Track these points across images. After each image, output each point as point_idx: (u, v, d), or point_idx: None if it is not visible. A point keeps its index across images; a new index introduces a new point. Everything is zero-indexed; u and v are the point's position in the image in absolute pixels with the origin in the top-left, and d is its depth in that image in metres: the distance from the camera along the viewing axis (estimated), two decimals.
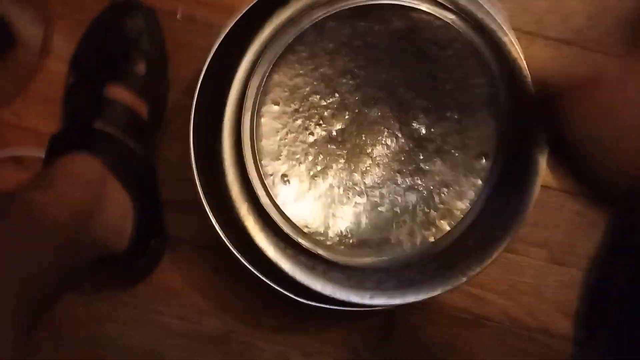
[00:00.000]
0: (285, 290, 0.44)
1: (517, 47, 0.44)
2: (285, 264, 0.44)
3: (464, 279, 0.44)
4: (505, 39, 0.45)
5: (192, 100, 0.44)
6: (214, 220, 0.44)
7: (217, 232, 0.44)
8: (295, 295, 0.44)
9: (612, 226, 0.54)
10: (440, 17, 0.46)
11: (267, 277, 0.44)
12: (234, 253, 0.44)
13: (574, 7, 0.56)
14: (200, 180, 0.44)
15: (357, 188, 0.49)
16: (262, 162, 0.47)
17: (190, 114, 0.44)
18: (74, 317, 0.52)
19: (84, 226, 0.43)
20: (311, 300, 0.44)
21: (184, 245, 0.54)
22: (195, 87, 0.44)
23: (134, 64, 0.51)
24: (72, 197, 0.43)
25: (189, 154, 0.44)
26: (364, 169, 0.50)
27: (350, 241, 0.49)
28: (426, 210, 0.49)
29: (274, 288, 0.44)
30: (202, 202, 0.44)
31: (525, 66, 0.44)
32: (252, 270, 0.44)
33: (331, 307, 0.44)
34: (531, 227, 0.55)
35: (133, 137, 0.49)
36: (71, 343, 0.52)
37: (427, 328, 0.55)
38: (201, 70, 0.44)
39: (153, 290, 0.54)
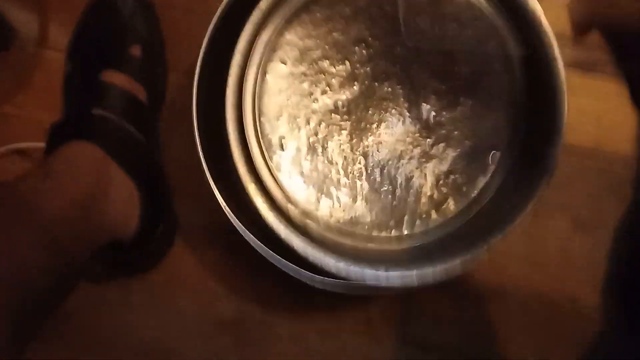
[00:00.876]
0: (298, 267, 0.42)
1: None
2: (297, 241, 0.42)
3: (485, 247, 0.42)
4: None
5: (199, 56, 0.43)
6: (222, 202, 0.42)
7: (226, 213, 0.42)
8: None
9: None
10: None
11: (279, 255, 0.42)
12: (245, 234, 0.43)
13: None
14: (205, 158, 0.43)
15: (358, 164, 0.47)
16: (261, 119, 0.45)
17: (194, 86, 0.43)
18: (86, 304, 0.51)
19: (87, 213, 0.42)
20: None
21: (195, 229, 0.53)
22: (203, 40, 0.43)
23: (130, 48, 0.50)
24: (72, 185, 0.42)
25: (193, 127, 0.43)
26: (366, 145, 0.47)
27: (343, 217, 0.46)
28: (429, 195, 0.47)
29: (287, 266, 0.43)
30: (210, 183, 0.42)
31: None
32: (265, 248, 0.42)
33: (345, 282, 0.43)
34: (552, 191, 0.53)
35: (133, 121, 0.48)
36: (83, 330, 0.52)
37: (449, 303, 0.53)
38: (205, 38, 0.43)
39: (166, 276, 0.53)
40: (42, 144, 0.51)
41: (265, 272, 0.49)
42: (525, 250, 0.53)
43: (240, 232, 0.43)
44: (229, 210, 0.43)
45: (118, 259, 0.50)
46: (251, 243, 0.43)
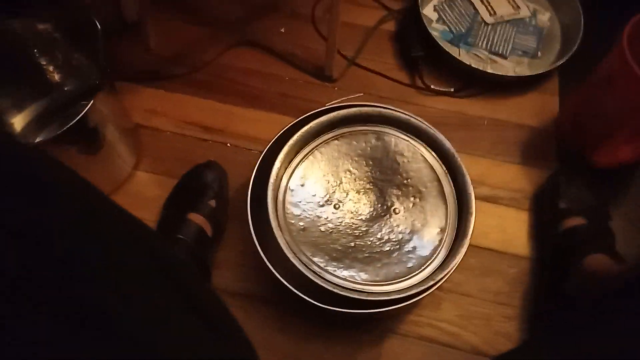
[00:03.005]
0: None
1: (454, 152, 0.74)
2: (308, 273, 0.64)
3: (432, 283, 0.65)
4: (448, 147, 0.75)
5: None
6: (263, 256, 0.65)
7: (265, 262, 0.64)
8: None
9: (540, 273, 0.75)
10: (401, 138, 0.77)
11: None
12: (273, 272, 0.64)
13: (481, 136, 0.89)
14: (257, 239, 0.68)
15: (351, 237, 0.72)
16: (289, 218, 0.71)
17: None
18: None
19: None
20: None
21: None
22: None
23: (209, 199, 0.77)
24: None
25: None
26: (355, 228, 0.73)
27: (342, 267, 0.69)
28: (396, 256, 0.71)
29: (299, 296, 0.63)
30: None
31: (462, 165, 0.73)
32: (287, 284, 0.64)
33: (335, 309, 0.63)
34: (476, 278, 0.76)
35: (199, 245, 0.72)
36: None
37: (408, 354, 0.71)
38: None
39: None
40: None
41: (269, 326, 0.69)
42: (463, 318, 0.74)
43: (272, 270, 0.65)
44: (265, 259, 0.65)
45: None
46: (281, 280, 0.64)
